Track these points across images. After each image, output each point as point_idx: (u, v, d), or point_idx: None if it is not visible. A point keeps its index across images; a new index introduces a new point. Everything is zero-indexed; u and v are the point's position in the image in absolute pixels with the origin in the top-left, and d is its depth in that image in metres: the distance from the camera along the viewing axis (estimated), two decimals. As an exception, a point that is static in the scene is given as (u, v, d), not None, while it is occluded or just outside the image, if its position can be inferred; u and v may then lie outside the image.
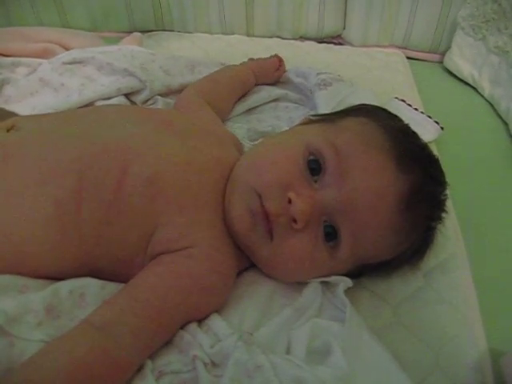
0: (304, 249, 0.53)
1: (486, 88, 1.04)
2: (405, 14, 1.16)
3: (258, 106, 0.90)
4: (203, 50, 1.14)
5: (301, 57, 1.11)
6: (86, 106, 0.78)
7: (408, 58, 1.19)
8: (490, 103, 1.03)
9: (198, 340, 0.48)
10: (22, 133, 0.56)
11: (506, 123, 0.96)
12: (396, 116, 0.63)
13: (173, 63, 0.89)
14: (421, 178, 0.54)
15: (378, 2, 1.15)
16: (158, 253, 0.51)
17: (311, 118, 0.66)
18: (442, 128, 0.84)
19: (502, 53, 1.00)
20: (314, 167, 0.54)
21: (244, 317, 0.53)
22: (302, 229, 0.52)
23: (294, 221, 0.51)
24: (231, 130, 0.78)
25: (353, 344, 0.49)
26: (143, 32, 1.19)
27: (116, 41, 1.07)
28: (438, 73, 1.16)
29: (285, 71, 0.96)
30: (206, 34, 1.22)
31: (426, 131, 0.78)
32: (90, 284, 0.50)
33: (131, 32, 1.16)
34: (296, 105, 0.91)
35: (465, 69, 1.10)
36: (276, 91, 0.92)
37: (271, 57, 0.96)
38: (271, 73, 0.94)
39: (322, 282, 0.56)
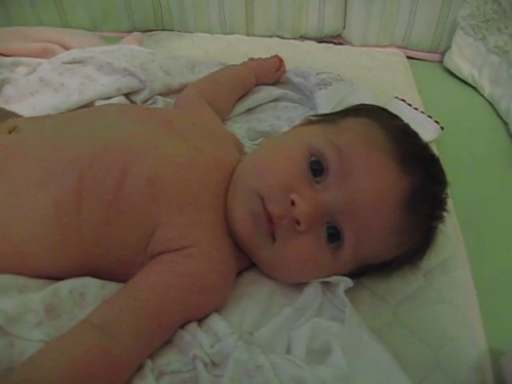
0: (307, 250, 0.52)
1: (486, 88, 1.04)
2: (405, 13, 1.16)
3: (257, 106, 0.90)
4: (203, 50, 1.14)
5: (301, 56, 1.11)
6: (86, 105, 0.78)
7: (408, 57, 1.19)
8: (490, 103, 1.03)
9: (198, 340, 0.48)
10: (24, 134, 0.56)
11: (506, 123, 0.96)
12: (396, 116, 0.63)
13: (173, 63, 0.89)
14: (423, 178, 0.54)
15: (377, 2, 1.15)
16: (158, 252, 0.51)
17: (311, 118, 0.66)
18: (441, 128, 0.84)
19: (502, 53, 1.00)
20: (316, 168, 0.54)
21: (244, 317, 0.53)
22: (305, 230, 0.51)
23: (298, 223, 0.51)
24: (231, 130, 0.78)
25: (353, 344, 0.49)
26: (143, 32, 1.19)
27: (116, 41, 1.07)
28: (438, 73, 1.16)
29: (285, 72, 0.96)
30: (206, 34, 1.22)
31: (425, 131, 0.78)
32: (90, 284, 0.50)
33: (131, 32, 1.16)
34: (296, 104, 0.91)
35: (465, 68, 1.10)
36: (276, 91, 0.92)
37: (272, 57, 0.96)
38: (271, 73, 0.94)
39: (323, 282, 0.56)
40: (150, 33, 1.21)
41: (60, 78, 0.82)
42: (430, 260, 0.63)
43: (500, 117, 0.98)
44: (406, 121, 0.62)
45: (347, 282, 0.55)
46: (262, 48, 1.12)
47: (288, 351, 0.50)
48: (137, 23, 1.23)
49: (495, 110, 1.01)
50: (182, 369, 0.47)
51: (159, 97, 0.83)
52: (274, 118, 0.86)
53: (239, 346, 0.46)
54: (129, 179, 0.51)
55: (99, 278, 0.51)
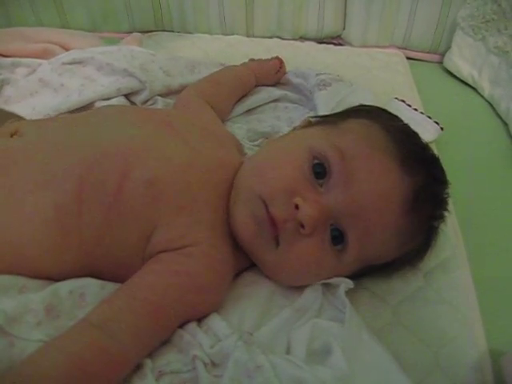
0: (311, 253, 0.52)
1: (486, 88, 1.04)
2: (405, 14, 1.16)
3: (257, 107, 0.90)
4: (203, 51, 1.14)
5: (301, 57, 1.11)
6: (86, 106, 0.78)
7: (408, 58, 1.19)
8: (489, 103, 1.03)
9: (197, 340, 0.48)
10: (25, 138, 0.56)
11: (505, 123, 0.96)
12: (396, 116, 0.63)
13: (173, 64, 0.89)
14: (424, 179, 0.54)
15: (377, 3, 1.15)
16: (158, 252, 0.51)
17: (311, 119, 0.66)
18: (441, 128, 0.84)
19: (501, 53, 1.00)
20: (319, 171, 0.53)
21: (243, 317, 0.53)
22: (309, 234, 0.51)
23: (302, 226, 0.51)
24: (231, 131, 0.78)
25: (353, 344, 0.49)
26: (143, 32, 1.19)
27: (116, 41, 1.07)
28: (438, 73, 1.16)
29: (285, 73, 0.96)
30: (206, 35, 1.22)
31: (425, 131, 0.78)
32: (90, 284, 0.50)
33: (131, 32, 1.16)
34: (295, 105, 0.91)
35: (464, 69, 1.10)
36: (276, 92, 0.92)
37: (272, 58, 0.96)
38: (272, 75, 0.94)
39: (323, 283, 0.56)
40: (149, 33, 1.22)
41: (60, 78, 0.82)
42: (430, 260, 0.63)
43: (500, 117, 0.98)
44: (405, 121, 0.62)
45: (348, 283, 0.55)
46: (261, 49, 1.13)
47: (288, 352, 0.50)
48: (137, 24, 1.23)
49: (495, 110, 1.01)
50: (182, 369, 0.47)
51: (159, 97, 0.83)
52: (273, 119, 0.86)
53: (239, 347, 0.46)
54: (129, 182, 0.52)
55: (99, 278, 0.51)
